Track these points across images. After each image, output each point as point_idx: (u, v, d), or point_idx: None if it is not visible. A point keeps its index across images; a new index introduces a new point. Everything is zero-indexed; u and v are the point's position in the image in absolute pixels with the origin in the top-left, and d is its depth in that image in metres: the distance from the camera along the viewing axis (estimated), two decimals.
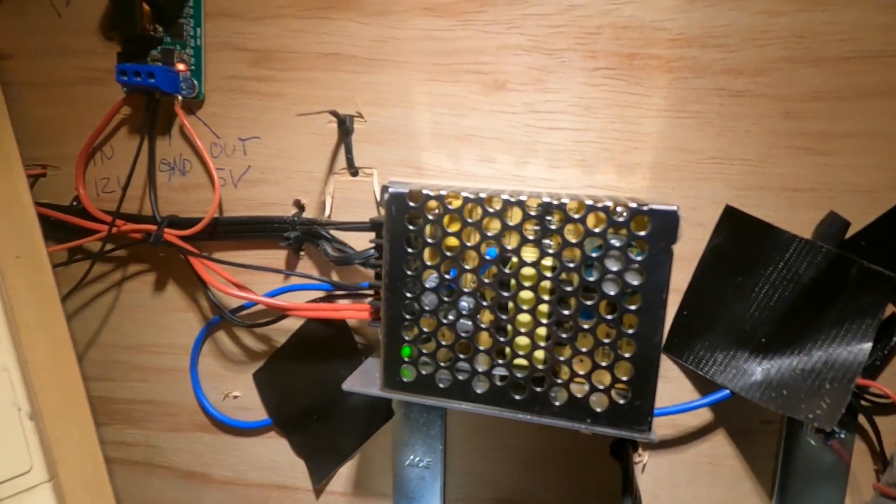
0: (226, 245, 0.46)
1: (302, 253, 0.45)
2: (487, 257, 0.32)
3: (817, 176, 0.36)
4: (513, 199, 0.31)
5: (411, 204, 0.32)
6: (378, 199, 0.41)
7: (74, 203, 0.48)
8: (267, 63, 0.42)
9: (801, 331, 0.36)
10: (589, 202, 0.30)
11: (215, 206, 0.44)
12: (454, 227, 0.32)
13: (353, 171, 0.42)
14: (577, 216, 0.30)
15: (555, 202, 0.30)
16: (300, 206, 0.44)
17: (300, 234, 0.43)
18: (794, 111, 0.35)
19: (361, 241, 0.42)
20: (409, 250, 0.32)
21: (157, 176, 0.46)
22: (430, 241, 0.32)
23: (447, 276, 0.32)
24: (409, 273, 0.33)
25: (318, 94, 0.42)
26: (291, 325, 0.46)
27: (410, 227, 0.32)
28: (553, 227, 0.30)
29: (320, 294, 0.44)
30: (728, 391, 0.37)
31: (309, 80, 0.42)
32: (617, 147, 0.38)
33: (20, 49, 0.47)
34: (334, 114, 0.40)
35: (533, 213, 0.31)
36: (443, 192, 0.31)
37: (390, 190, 0.32)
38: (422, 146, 0.41)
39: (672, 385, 0.40)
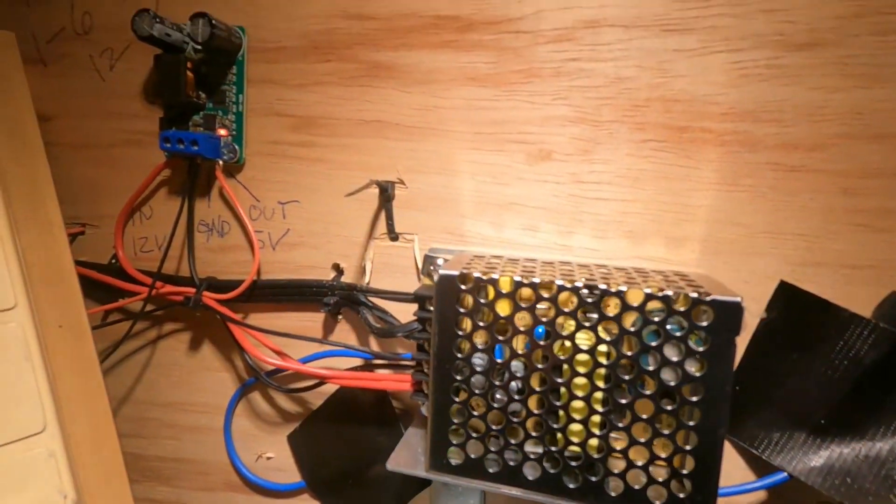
0: (264, 307, 0.46)
1: (339, 317, 0.44)
2: (540, 342, 0.30)
3: (877, 253, 0.34)
4: (568, 286, 0.30)
5: (462, 286, 0.31)
6: (419, 265, 0.41)
7: (113, 261, 0.48)
8: (308, 129, 0.42)
9: (864, 415, 0.34)
10: (648, 290, 0.29)
11: (255, 270, 0.44)
12: (506, 311, 0.31)
13: (394, 236, 0.41)
14: (635, 304, 0.29)
15: (613, 289, 0.29)
16: (339, 271, 0.44)
17: (339, 299, 0.42)
18: (852, 187, 0.34)
19: (402, 308, 0.41)
20: (459, 333, 0.31)
21: (195, 237, 0.46)
22: (481, 324, 0.31)
23: (498, 360, 0.31)
24: (458, 356, 0.32)
25: (359, 160, 0.41)
26: (328, 388, 0.45)
27: (461, 310, 0.31)
28: (610, 314, 0.29)
29: (359, 361, 0.44)
30: (786, 474, 0.36)
31: (350, 147, 0.41)
32: (666, 219, 0.37)
33: (63, 111, 0.47)
34: (376, 183, 0.39)
35: (589, 301, 0.30)
36: (495, 276, 0.30)
37: (441, 271, 0.31)
38: (464, 213, 0.40)
39: (725, 461, 0.38)
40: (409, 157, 0.41)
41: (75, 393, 0.36)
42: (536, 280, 0.30)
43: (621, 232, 0.38)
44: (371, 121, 0.41)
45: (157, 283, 0.45)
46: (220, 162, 0.43)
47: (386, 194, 0.40)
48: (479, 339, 0.32)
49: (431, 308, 0.32)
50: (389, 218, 0.41)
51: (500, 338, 0.31)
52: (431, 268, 0.38)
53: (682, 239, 0.37)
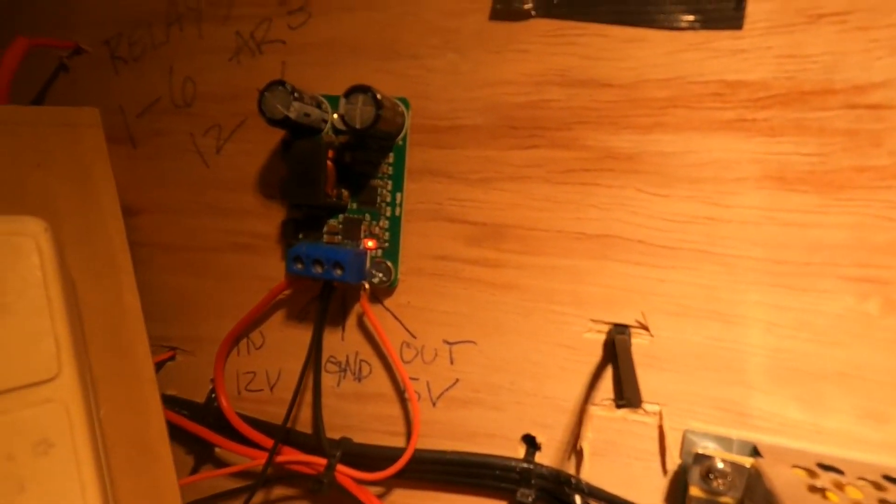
0: (417, 486, 0.31)
1: None
2: None
3: None
4: None
5: None
6: (668, 453, 0.26)
7: (212, 397, 0.35)
8: (495, 242, 0.27)
9: None
10: None
11: (415, 439, 0.30)
12: None
13: (624, 403, 0.27)
14: None
15: None
16: (534, 446, 0.29)
17: (539, 494, 0.28)
18: None
19: None
20: None
21: (322, 377, 0.33)
22: None
23: None
24: None
25: (571, 291, 0.26)
26: None
27: None
28: None
29: None
30: None
31: (559, 270, 0.26)
32: None
33: (154, 203, 0.35)
34: (613, 327, 0.25)
35: None
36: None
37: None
38: (751, 382, 0.25)
39: None
40: (657, 292, 0.26)
41: None
42: None
43: None
44: (596, 234, 0.25)
45: (261, 437, 0.32)
46: (366, 284, 0.30)
47: (623, 342, 0.26)
48: None
49: None
50: (623, 377, 0.26)
51: None
52: (695, 462, 0.23)
53: None
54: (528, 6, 0.25)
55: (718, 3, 0.23)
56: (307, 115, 0.26)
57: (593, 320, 0.26)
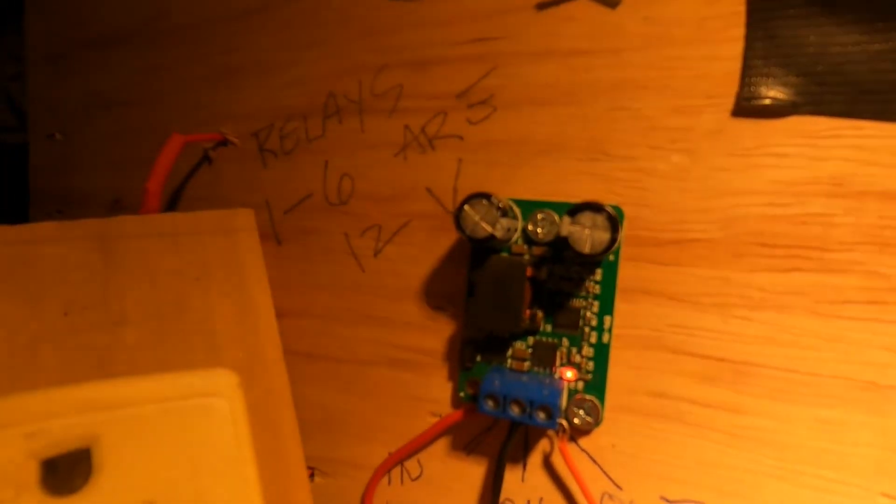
0: None
1: None
2: None
3: None
4: None
5: None
6: None
7: None
8: (736, 383, 0.20)
9: None
10: None
11: None
12: None
13: None
14: None
15: None
16: None
17: None
18: None
19: None
20: None
21: None
22: None
23: None
24: None
25: (849, 454, 0.19)
26: None
27: None
28: None
29: None
30: None
31: (830, 425, 0.19)
32: None
33: (299, 307, 0.28)
34: None
35: None
36: None
37: None
38: None
39: None
40: None
41: None
42: None
43: None
44: (890, 385, 0.19)
45: None
46: (564, 422, 0.24)
47: None
48: None
49: None
50: None
51: None
52: None
53: None
54: (786, 99, 0.20)
55: None
56: (509, 229, 0.21)
57: (885, 494, 0.19)
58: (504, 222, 0.19)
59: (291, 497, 0.23)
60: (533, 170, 0.23)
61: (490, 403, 0.21)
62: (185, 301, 0.23)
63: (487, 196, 0.20)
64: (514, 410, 0.20)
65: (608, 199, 0.22)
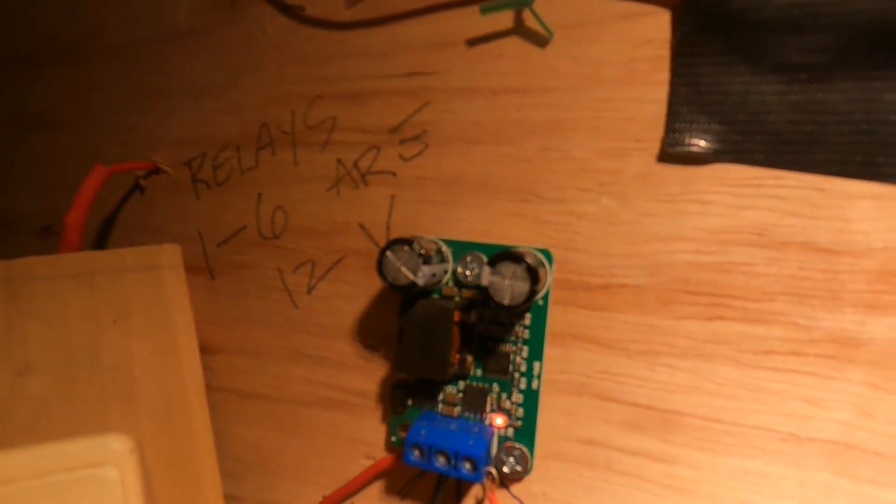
0: None
1: None
2: None
3: None
4: None
5: None
6: None
7: None
8: (663, 432, 0.20)
9: None
10: None
11: None
12: None
13: None
14: None
15: None
16: None
17: None
18: None
19: None
20: None
21: None
22: None
23: None
24: None
25: None
26: None
27: None
28: None
29: None
30: None
31: (753, 477, 0.19)
32: None
33: (232, 343, 0.27)
34: None
35: None
36: None
37: None
38: None
39: None
40: None
41: None
42: None
43: None
44: (810, 438, 0.18)
45: None
46: (493, 471, 0.24)
47: None
48: None
49: None
50: None
51: None
52: None
53: None
54: (709, 147, 0.20)
55: None
56: (434, 275, 0.21)
57: None
58: (426, 269, 0.19)
59: None
60: (465, 209, 0.23)
61: (416, 453, 0.20)
62: (99, 346, 0.22)
63: (409, 242, 0.19)
64: (440, 461, 0.20)
65: (539, 241, 0.22)
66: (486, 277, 0.18)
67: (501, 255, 0.18)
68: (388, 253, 0.19)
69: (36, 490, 0.15)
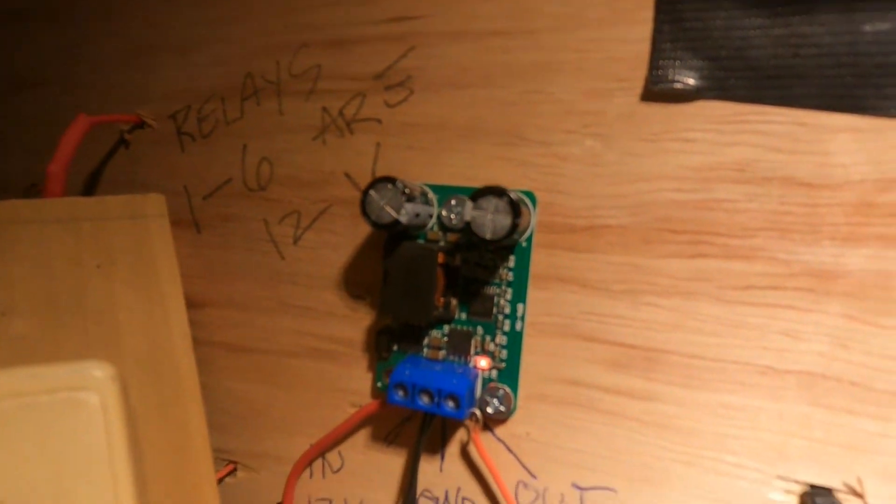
0: None
1: None
2: None
3: None
4: None
5: None
6: None
7: None
8: (645, 370, 0.20)
9: None
10: None
11: None
12: None
13: None
14: None
15: None
16: None
17: None
18: None
19: None
20: None
21: None
22: None
23: None
24: None
25: (751, 438, 0.19)
26: None
27: None
28: None
29: None
30: None
31: (733, 411, 0.19)
32: None
33: (220, 297, 0.27)
34: (813, 490, 0.18)
35: None
36: None
37: None
38: None
39: None
40: (879, 450, 0.18)
41: None
42: None
43: None
44: (788, 370, 0.18)
45: None
46: (477, 412, 0.24)
47: None
48: None
49: None
50: None
51: None
52: None
53: None
54: (693, 84, 0.20)
55: None
56: (418, 215, 0.21)
57: (781, 477, 0.19)
58: (410, 207, 0.19)
59: (198, 492, 0.22)
60: (451, 154, 0.23)
61: (400, 393, 0.21)
62: (83, 290, 0.22)
63: (393, 180, 0.19)
64: (424, 399, 0.20)
65: (524, 184, 0.22)
66: (469, 212, 0.18)
67: (484, 190, 0.18)
68: (372, 192, 0.19)
69: (14, 409, 0.15)
